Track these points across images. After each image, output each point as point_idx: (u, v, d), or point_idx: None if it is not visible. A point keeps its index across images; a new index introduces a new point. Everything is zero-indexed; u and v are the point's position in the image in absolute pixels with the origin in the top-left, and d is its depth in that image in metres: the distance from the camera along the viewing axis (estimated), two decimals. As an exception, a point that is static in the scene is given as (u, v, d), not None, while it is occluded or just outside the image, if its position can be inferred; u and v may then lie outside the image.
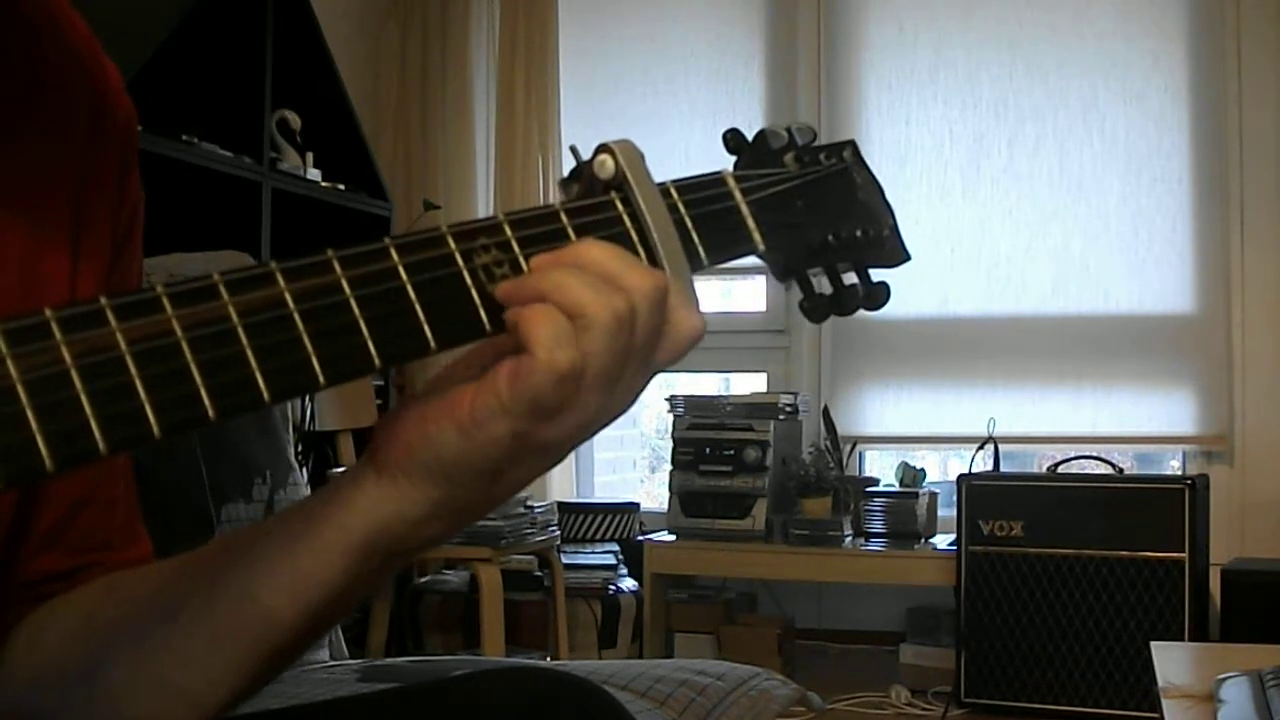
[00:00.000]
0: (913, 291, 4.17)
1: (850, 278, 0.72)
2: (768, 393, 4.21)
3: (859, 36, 4.35)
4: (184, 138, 3.19)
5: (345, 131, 3.93)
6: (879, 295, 0.72)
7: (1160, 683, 1.67)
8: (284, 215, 3.57)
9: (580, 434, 0.60)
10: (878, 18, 4.32)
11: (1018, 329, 4.15)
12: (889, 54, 4.29)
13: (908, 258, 0.73)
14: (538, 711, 0.76)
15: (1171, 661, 1.81)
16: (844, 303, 0.71)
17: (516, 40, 4.45)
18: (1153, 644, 1.93)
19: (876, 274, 0.73)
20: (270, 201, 3.51)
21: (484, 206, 4.55)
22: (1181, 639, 3.22)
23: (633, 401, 0.61)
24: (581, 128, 4.48)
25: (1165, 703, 1.59)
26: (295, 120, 3.70)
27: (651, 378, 0.62)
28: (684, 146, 4.43)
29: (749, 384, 4.45)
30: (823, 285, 0.71)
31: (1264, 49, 3.93)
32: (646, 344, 0.60)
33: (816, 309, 0.71)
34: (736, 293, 4.50)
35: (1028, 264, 4.14)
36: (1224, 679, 1.56)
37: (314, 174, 3.75)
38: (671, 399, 4.05)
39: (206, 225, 3.35)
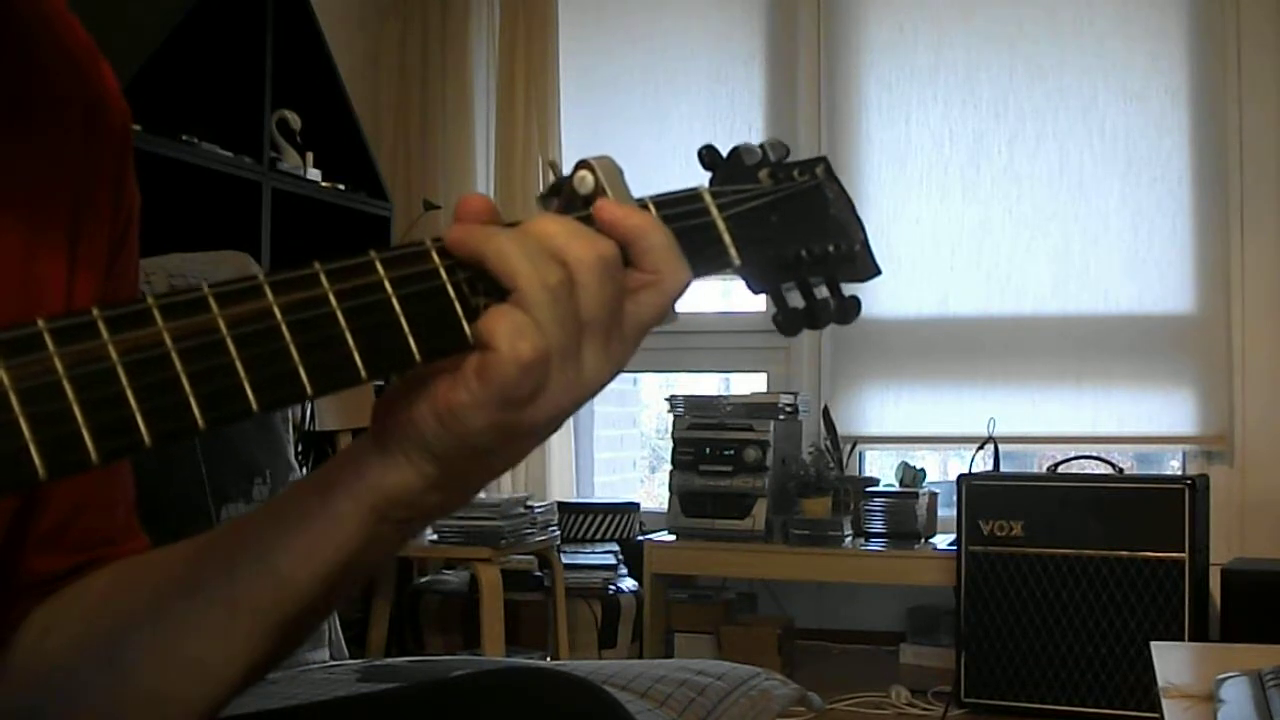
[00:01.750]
0: (913, 291, 4.17)
1: (822, 291, 0.73)
2: (768, 393, 4.21)
3: (859, 37, 4.35)
4: (184, 138, 3.19)
5: (345, 131, 3.93)
6: (850, 309, 0.73)
7: (1160, 683, 1.67)
8: (284, 215, 3.57)
9: (565, 409, 0.60)
10: (877, 18, 4.32)
11: (1018, 329, 4.15)
12: (889, 54, 4.29)
13: (878, 272, 0.74)
14: (538, 712, 0.76)
15: (1171, 661, 1.81)
16: (816, 316, 0.72)
17: (516, 40, 4.45)
18: (1153, 644, 1.93)
19: (848, 288, 0.74)
20: (270, 201, 3.51)
21: (484, 206, 4.54)
22: (1181, 639, 3.22)
23: (617, 367, 0.62)
24: (581, 128, 4.49)
25: (1165, 703, 1.59)
26: (295, 120, 3.70)
27: (640, 336, 0.62)
28: (684, 147, 4.43)
29: (749, 384, 4.45)
30: (795, 299, 0.72)
31: (1264, 49, 3.93)
32: (605, 312, 0.60)
33: (789, 322, 0.72)
34: (736, 293, 4.50)
35: (1028, 264, 4.14)
36: (1224, 679, 1.56)
37: (314, 174, 3.75)
38: (671, 399, 4.05)
39: (206, 225, 3.35)
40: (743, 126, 4.43)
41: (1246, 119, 3.93)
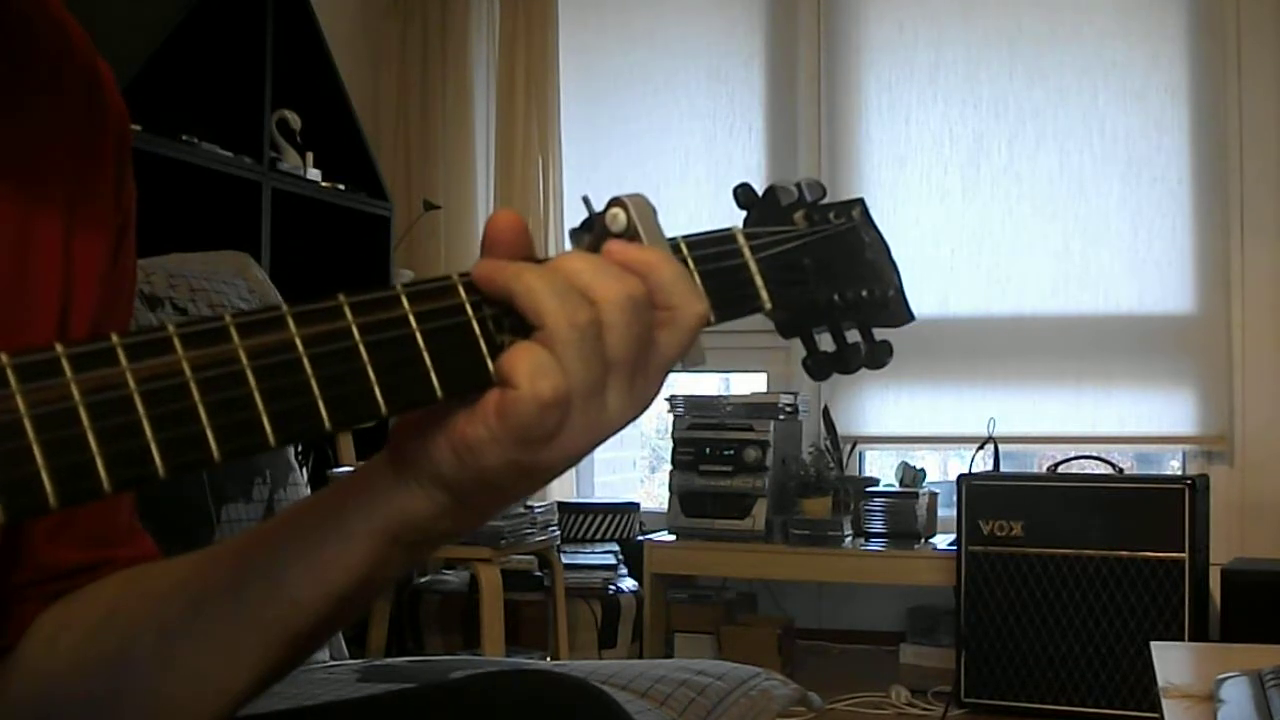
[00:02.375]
0: (913, 291, 4.14)
1: (853, 336, 0.72)
2: (768, 393, 4.21)
3: (859, 36, 4.35)
4: (184, 138, 3.19)
5: (345, 131, 3.93)
6: (882, 354, 0.72)
7: (1160, 683, 1.67)
8: (284, 215, 3.57)
9: (583, 449, 0.60)
10: (878, 18, 4.32)
11: (1018, 329, 4.15)
12: (889, 54, 4.29)
13: (912, 318, 0.74)
14: (538, 712, 0.76)
15: (1171, 661, 1.81)
16: (847, 361, 0.71)
17: (516, 40, 4.45)
18: (1153, 644, 1.93)
19: (880, 332, 0.73)
20: (270, 201, 3.51)
21: (484, 206, 4.55)
22: (1181, 639, 3.22)
23: (641, 407, 0.61)
24: (581, 127, 4.49)
25: (1165, 703, 1.59)
26: (295, 120, 3.70)
27: (663, 374, 0.62)
28: (684, 147, 4.44)
29: (749, 384, 4.45)
30: (825, 342, 0.71)
31: (1264, 49, 3.93)
32: (631, 352, 0.59)
33: (819, 367, 0.71)
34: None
35: (1028, 264, 4.14)
36: (1224, 679, 1.56)
37: (314, 174, 3.75)
38: (671, 399, 4.05)
39: (206, 225, 3.35)
40: (743, 126, 4.43)
41: (1246, 119, 3.93)
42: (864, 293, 0.71)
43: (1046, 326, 4.12)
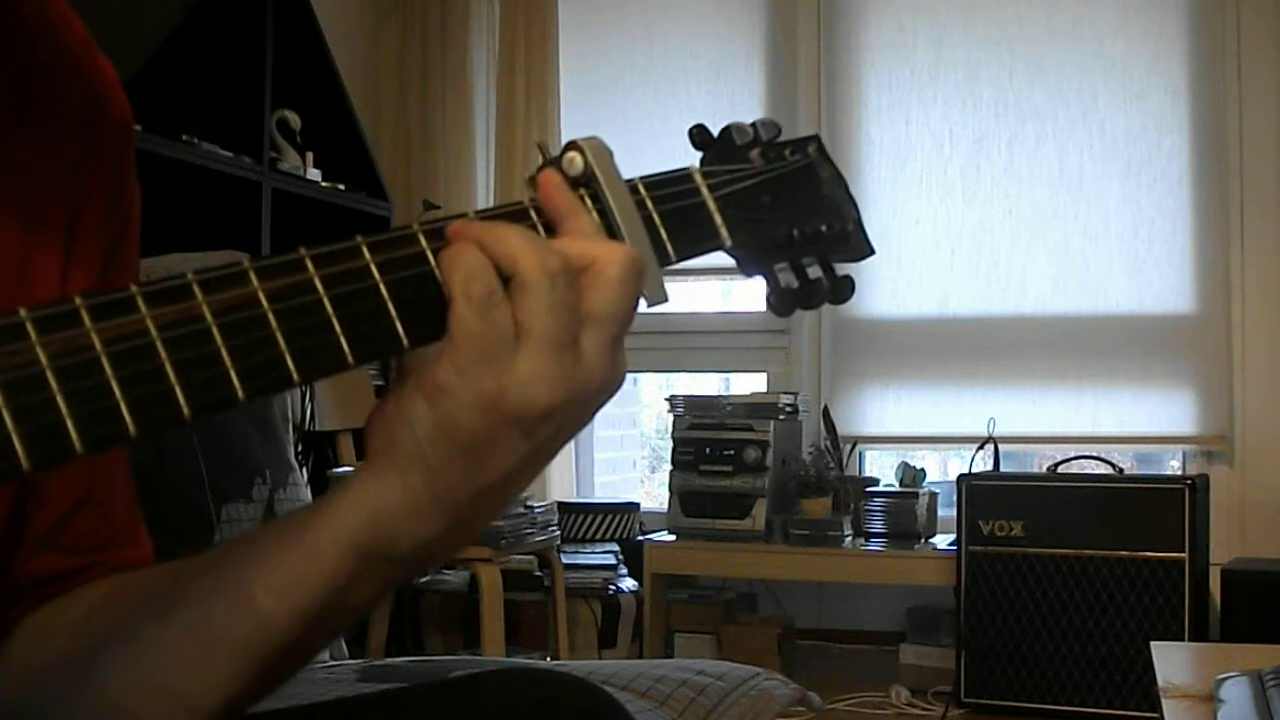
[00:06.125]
0: (913, 291, 4.17)
1: (815, 272, 0.72)
2: (768, 393, 4.21)
3: (859, 37, 4.34)
4: (184, 138, 3.19)
5: (345, 131, 3.93)
6: (843, 289, 0.72)
7: (1160, 683, 1.67)
8: (284, 215, 3.56)
9: (554, 415, 0.59)
10: (878, 18, 4.31)
11: (1018, 329, 4.15)
12: (889, 54, 4.29)
13: (871, 252, 0.74)
14: (538, 712, 0.76)
15: (1171, 661, 1.81)
16: (809, 297, 0.71)
17: (516, 40, 4.45)
18: (1153, 644, 1.93)
19: (841, 268, 0.73)
20: (270, 201, 3.51)
21: (483, 206, 4.55)
22: (1181, 639, 3.22)
23: (612, 379, 0.60)
24: (581, 128, 4.47)
25: (1165, 703, 1.59)
26: (295, 120, 3.70)
27: (619, 330, 0.61)
28: (684, 148, 4.41)
29: (749, 384, 4.45)
30: (789, 280, 0.71)
31: (1264, 50, 3.93)
32: (605, 312, 0.59)
33: (782, 303, 0.71)
34: (736, 293, 4.50)
35: (1028, 264, 4.14)
36: (1224, 679, 1.56)
37: (314, 174, 3.75)
38: (671, 399, 4.05)
39: (206, 225, 3.35)
40: (743, 126, 4.43)
41: (1246, 119, 3.93)
42: (823, 227, 0.71)
43: (1046, 326, 4.12)
